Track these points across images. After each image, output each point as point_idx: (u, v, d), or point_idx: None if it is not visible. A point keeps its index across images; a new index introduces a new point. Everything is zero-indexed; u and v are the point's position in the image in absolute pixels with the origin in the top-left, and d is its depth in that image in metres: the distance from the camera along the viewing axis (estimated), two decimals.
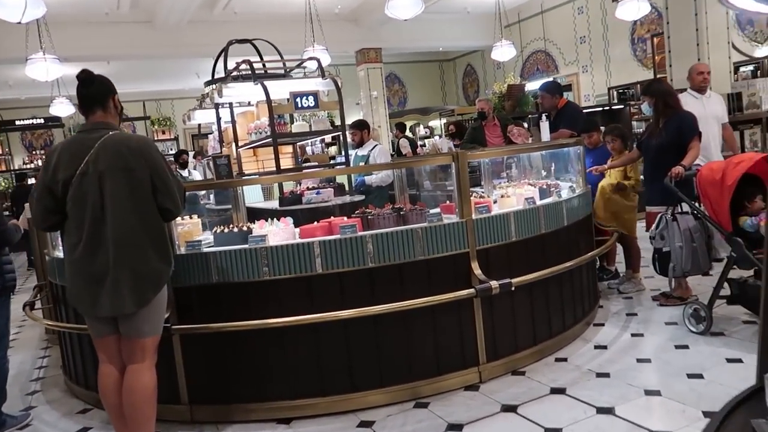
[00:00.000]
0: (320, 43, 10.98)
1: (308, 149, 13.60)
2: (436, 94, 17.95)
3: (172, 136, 19.11)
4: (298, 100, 5.39)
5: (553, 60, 14.36)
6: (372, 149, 6.14)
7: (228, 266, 3.17)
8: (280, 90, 5.83)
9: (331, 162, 6.10)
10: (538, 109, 13.02)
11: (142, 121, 18.73)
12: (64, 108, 14.21)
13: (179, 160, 9.20)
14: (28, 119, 17.25)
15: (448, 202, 3.82)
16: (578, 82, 13.71)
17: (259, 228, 3.38)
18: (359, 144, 6.24)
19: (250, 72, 5.73)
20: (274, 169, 7.07)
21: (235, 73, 6.26)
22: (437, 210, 4.01)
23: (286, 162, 7.12)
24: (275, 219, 3.53)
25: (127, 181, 2.65)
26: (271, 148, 7.06)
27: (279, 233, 3.33)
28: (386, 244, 3.20)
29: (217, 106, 7.20)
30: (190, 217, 4.15)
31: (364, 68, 14.33)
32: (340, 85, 5.90)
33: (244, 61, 5.85)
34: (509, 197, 3.81)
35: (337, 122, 5.70)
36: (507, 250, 3.50)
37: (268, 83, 5.61)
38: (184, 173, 8.70)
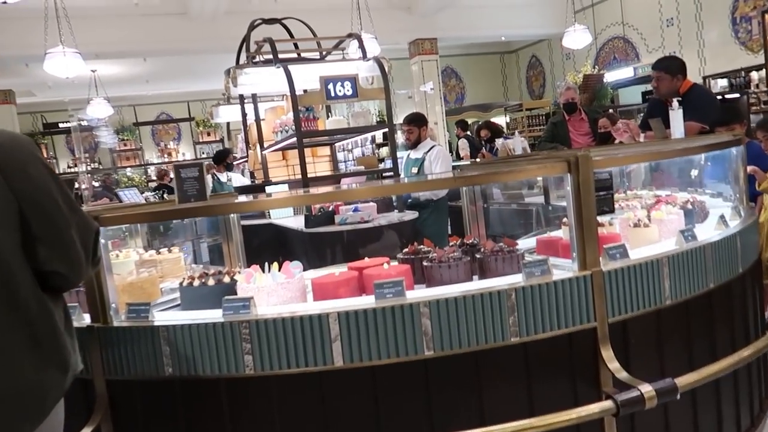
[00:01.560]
0: (369, 32, 9.73)
1: (357, 150, 12.36)
2: (497, 90, 16.40)
3: (218, 138, 18.36)
4: (330, 86, 4.11)
5: (633, 47, 12.59)
6: (428, 151, 4.79)
7: (188, 350, 1.90)
8: (310, 77, 4.57)
9: (379, 169, 4.82)
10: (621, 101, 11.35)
11: (186, 122, 18.07)
12: (102, 109, 13.56)
13: (225, 160, 7.66)
14: (70, 122, 16.75)
15: (548, 234, 2.44)
16: None
17: (245, 282, 2.08)
18: (415, 144, 4.90)
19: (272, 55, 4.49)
20: (309, 175, 5.86)
21: (258, 59, 5.07)
22: (527, 244, 2.63)
23: (322, 167, 5.89)
24: (276, 263, 2.22)
25: None
26: (308, 149, 5.88)
27: (276, 292, 2.03)
28: (455, 315, 1.85)
29: (241, 100, 6.06)
30: (169, 251, 2.93)
31: (417, 61, 12.98)
32: (387, 68, 4.59)
33: (265, 41, 4.62)
34: (647, 227, 2.39)
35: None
36: (657, 321, 2.08)
37: (294, 68, 4.36)
38: (223, 177, 7.39)
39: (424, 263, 2.10)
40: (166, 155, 18.04)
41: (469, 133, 10.71)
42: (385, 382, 1.86)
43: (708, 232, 2.42)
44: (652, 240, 2.37)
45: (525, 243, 2.79)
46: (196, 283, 2.16)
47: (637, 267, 2.03)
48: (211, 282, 2.15)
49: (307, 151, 5.63)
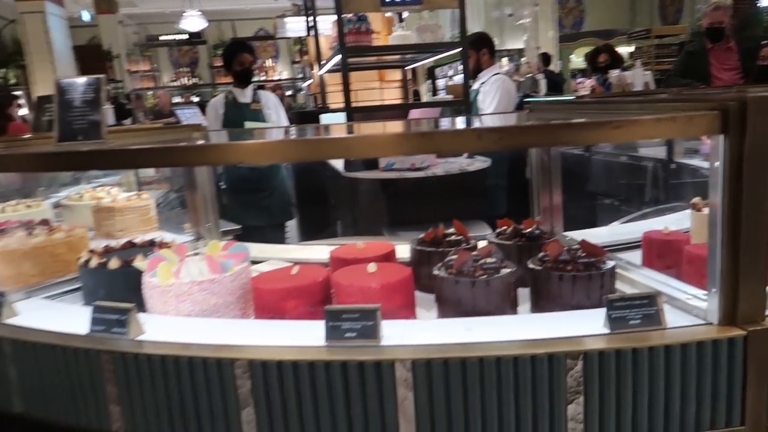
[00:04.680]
0: None
1: (458, 78, 11.11)
2: (623, 14, 14.25)
3: None
4: None
5: None
6: (484, 82, 3.70)
7: (40, 381, 1.20)
8: None
9: (448, 100, 3.84)
10: None
11: (284, 40, 17.41)
12: (195, 22, 13.22)
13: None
14: (173, 35, 16.66)
15: (666, 228, 1.47)
16: None
17: (147, 273, 1.32)
18: (474, 72, 3.82)
19: None
20: (383, 102, 4.99)
21: None
22: (627, 231, 1.69)
23: (392, 95, 4.98)
24: (216, 242, 1.44)
25: None
26: (374, 72, 4.99)
27: (190, 297, 1.26)
28: (460, 389, 0.99)
29: (306, 9, 5.23)
30: (138, 195, 2.27)
31: None
32: None
33: None
34: None
35: None
36: None
37: None
38: (244, 98, 3.80)
39: (434, 271, 1.24)
40: (263, 73, 17.64)
41: (551, 68, 9.32)
42: None
43: None
44: None
45: (623, 231, 1.84)
46: (95, 262, 1.44)
47: None
48: (113, 264, 1.42)
49: (373, 74, 4.74)
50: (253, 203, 3.53)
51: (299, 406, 1.03)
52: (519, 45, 12.33)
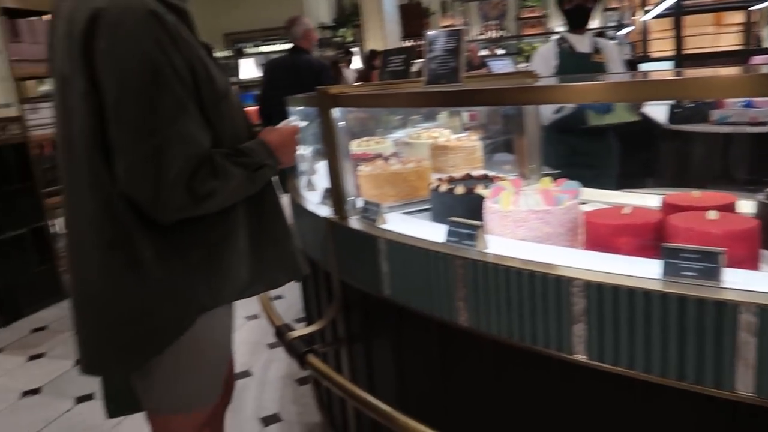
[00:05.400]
0: None
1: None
2: None
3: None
4: None
5: None
6: None
7: (405, 274, 1.51)
8: None
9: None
10: None
11: None
12: None
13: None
14: None
15: None
16: None
17: (490, 198, 1.52)
18: None
19: None
20: (717, 49, 4.47)
21: None
22: None
23: (728, 40, 4.40)
24: (548, 179, 1.58)
25: (66, 106, 1.24)
26: (710, 16, 4.45)
27: (526, 223, 1.42)
28: None
29: None
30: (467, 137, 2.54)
31: None
32: None
33: None
34: None
35: None
36: None
37: None
38: (582, 46, 3.14)
39: None
40: None
41: None
42: (652, 410, 1.14)
43: None
44: None
45: None
46: (444, 188, 1.71)
47: None
48: (459, 190, 1.66)
49: (708, 18, 4.24)
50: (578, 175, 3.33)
51: (630, 332, 1.11)
52: None
